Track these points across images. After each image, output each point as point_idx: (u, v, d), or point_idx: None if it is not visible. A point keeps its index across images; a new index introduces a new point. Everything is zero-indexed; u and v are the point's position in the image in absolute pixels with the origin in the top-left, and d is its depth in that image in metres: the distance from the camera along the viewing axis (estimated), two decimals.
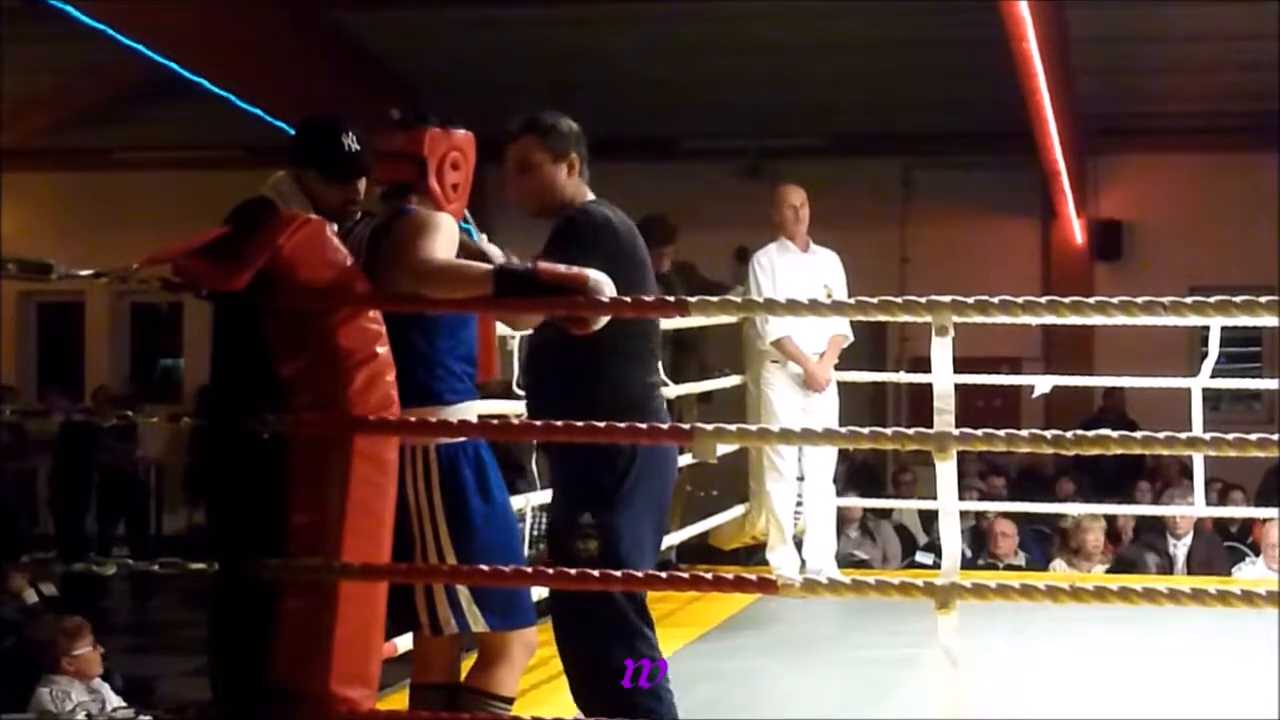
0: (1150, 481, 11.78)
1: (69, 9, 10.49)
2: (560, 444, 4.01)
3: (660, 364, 4.19)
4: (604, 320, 3.57)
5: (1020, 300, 3.40)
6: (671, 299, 3.80)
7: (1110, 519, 9.42)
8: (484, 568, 3.72)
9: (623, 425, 3.62)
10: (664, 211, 7.99)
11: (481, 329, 4.04)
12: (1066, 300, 3.42)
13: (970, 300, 3.40)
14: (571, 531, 3.92)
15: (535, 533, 6.34)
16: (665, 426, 3.91)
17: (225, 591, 3.60)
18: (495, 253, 4.00)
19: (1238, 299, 3.28)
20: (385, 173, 3.96)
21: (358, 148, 3.87)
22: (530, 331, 4.26)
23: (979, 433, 3.40)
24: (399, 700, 4.24)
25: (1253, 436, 3.25)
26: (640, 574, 3.72)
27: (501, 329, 4.47)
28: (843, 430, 3.77)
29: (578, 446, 3.89)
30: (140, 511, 14.18)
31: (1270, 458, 6.43)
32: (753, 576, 3.63)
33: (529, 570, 4.21)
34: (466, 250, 3.95)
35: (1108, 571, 8.79)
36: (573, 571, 3.72)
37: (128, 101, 14.61)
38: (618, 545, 3.88)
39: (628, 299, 3.57)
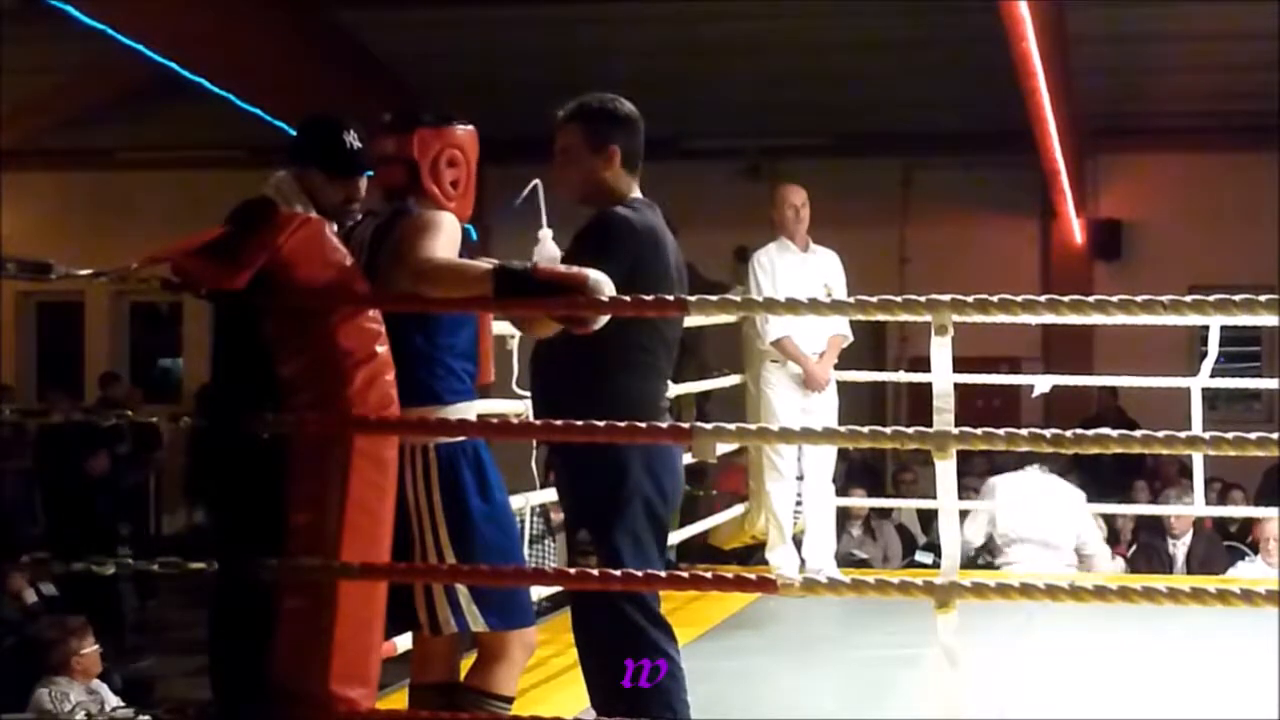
0: (1149, 481, 11.77)
1: (69, 9, 10.50)
2: (562, 452, 3.98)
3: (668, 377, 4.12)
4: (604, 320, 3.56)
5: (1020, 299, 3.40)
6: (671, 298, 3.80)
7: (1109, 519, 9.41)
8: (484, 567, 3.72)
9: (622, 425, 3.61)
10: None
11: (480, 331, 4.04)
12: (1066, 300, 3.42)
13: (970, 300, 3.39)
14: (571, 547, 3.92)
15: (535, 532, 6.33)
16: (665, 426, 3.90)
17: (225, 591, 3.61)
18: (553, 251, 3.94)
19: (1238, 299, 3.28)
20: (382, 177, 3.96)
21: (359, 145, 3.87)
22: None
23: (979, 432, 3.39)
24: (399, 700, 4.23)
25: (1252, 436, 3.24)
26: (640, 573, 3.71)
27: (500, 328, 4.45)
28: (843, 430, 3.77)
29: (576, 458, 3.87)
30: (141, 512, 14.17)
31: (1270, 457, 6.42)
32: (753, 576, 3.63)
33: (529, 570, 4.21)
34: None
35: None
36: (572, 571, 3.72)
37: (128, 101, 14.61)
38: (617, 561, 3.86)
39: (627, 299, 3.56)
